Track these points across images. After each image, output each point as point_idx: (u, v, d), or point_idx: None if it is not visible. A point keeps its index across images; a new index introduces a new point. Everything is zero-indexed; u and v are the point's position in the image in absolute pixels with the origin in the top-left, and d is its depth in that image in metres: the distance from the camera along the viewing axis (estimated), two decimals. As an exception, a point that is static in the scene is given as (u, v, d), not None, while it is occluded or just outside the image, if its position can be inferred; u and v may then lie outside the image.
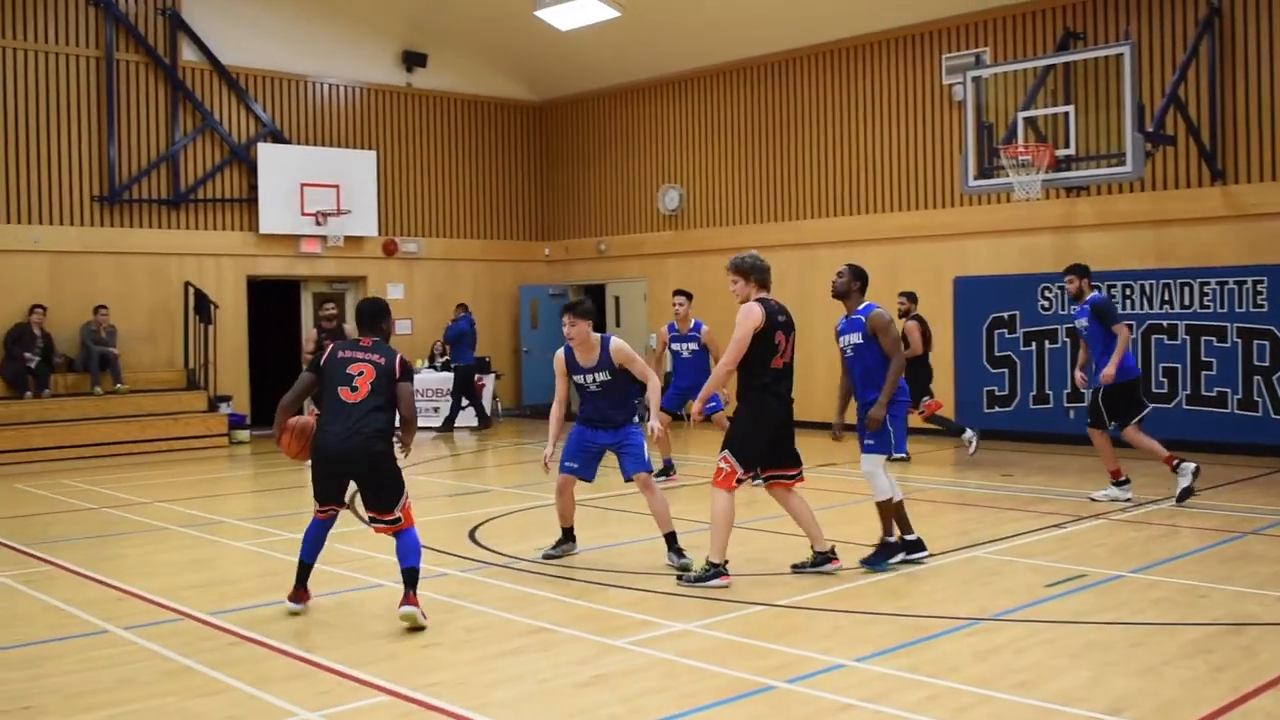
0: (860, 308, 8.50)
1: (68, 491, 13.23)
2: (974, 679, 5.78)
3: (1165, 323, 14.88)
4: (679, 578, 8.07)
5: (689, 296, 13.25)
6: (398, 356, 7.28)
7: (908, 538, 8.51)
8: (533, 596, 7.71)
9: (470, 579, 8.30)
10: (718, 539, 7.91)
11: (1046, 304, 15.86)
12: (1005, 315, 16.24)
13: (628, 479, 8.69)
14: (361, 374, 7.15)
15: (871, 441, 8.39)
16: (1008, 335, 16.21)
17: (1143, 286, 15.07)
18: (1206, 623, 6.79)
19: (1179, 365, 14.80)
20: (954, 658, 6.19)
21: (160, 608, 7.57)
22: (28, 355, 16.75)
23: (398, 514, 7.12)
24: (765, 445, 8.06)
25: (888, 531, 8.44)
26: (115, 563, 9.25)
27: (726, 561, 7.95)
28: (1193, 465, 11.12)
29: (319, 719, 5.40)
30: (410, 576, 7.00)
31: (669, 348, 13.37)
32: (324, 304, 16.04)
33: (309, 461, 7.31)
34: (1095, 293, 11.60)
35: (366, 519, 7.34)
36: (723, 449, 8.03)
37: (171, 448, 17.17)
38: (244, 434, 18.42)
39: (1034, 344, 16.00)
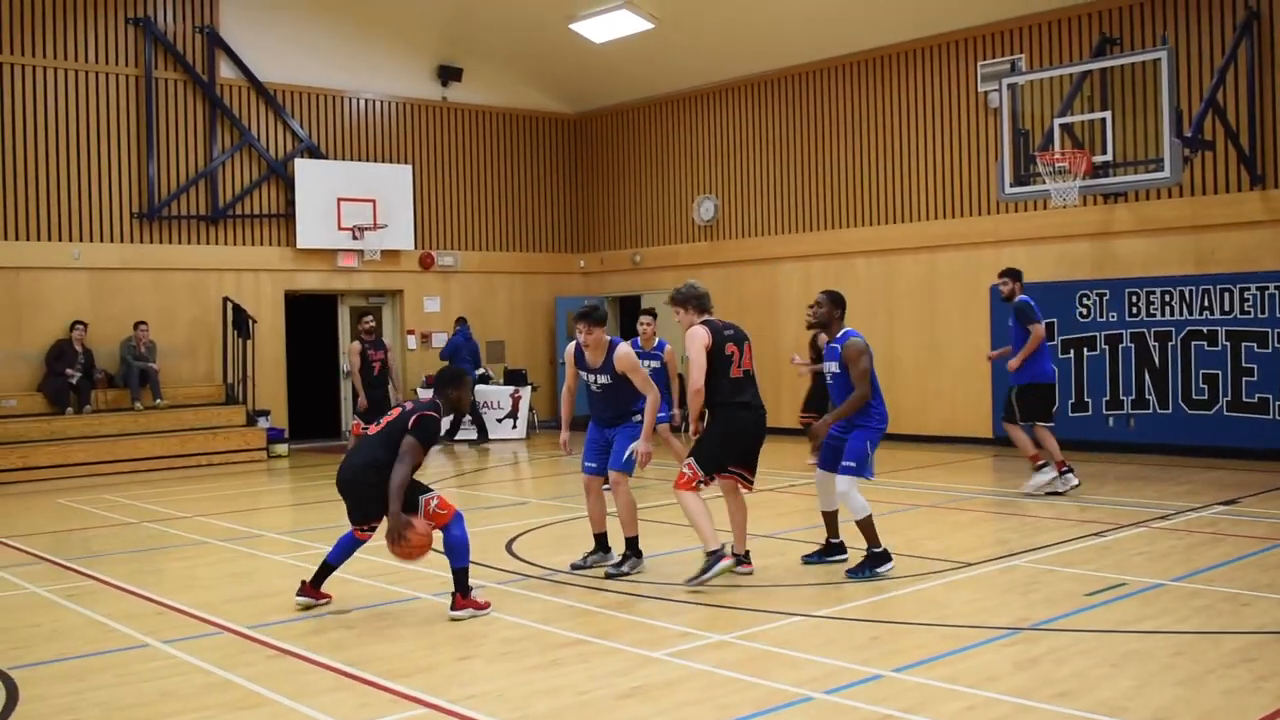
0: (839, 335, 8.64)
1: (109, 506, 13.35)
2: (1014, 689, 5.74)
3: (1205, 329, 14.75)
4: (606, 574, 8.62)
5: (654, 316, 12.93)
6: (421, 410, 7.53)
7: (875, 550, 8.51)
8: (571, 608, 7.72)
9: (508, 591, 8.31)
10: (703, 530, 8.24)
11: (1085, 311, 15.75)
12: (1047, 322, 16.09)
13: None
14: (390, 415, 7.70)
15: (852, 464, 8.43)
16: (1046, 343, 16.05)
17: (1182, 293, 14.94)
18: (1249, 631, 6.72)
19: (1219, 371, 14.65)
20: (993, 668, 6.15)
21: (200, 621, 7.62)
22: (69, 371, 16.95)
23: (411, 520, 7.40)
24: (736, 456, 8.47)
25: (873, 543, 8.48)
26: (156, 577, 9.32)
27: (723, 545, 8.27)
28: (1074, 480, 12.08)
29: (358, 731, 5.42)
30: (457, 578, 7.48)
31: None
32: (362, 317, 16.13)
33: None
34: (1022, 295, 12.39)
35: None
36: (689, 457, 8.42)
37: (211, 462, 17.30)
38: (282, 448, 18.53)
39: (1072, 351, 15.89)
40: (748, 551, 8.68)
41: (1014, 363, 12.13)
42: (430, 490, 7.56)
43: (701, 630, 7.03)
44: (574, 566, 8.98)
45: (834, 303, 8.75)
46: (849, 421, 8.51)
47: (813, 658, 6.41)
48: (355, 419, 15.53)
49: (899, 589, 8.06)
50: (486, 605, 7.51)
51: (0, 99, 17.25)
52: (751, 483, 8.59)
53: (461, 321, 20.08)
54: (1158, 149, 13.78)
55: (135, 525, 11.99)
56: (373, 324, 15.95)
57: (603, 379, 8.79)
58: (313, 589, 7.79)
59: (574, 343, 8.97)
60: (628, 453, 8.68)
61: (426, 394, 16.29)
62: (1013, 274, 12.53)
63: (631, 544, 8.85)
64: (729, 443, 8.39)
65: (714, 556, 8.16)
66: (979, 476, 14.25)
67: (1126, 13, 15.69)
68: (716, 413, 8.45)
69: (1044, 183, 14.38)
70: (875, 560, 8.45)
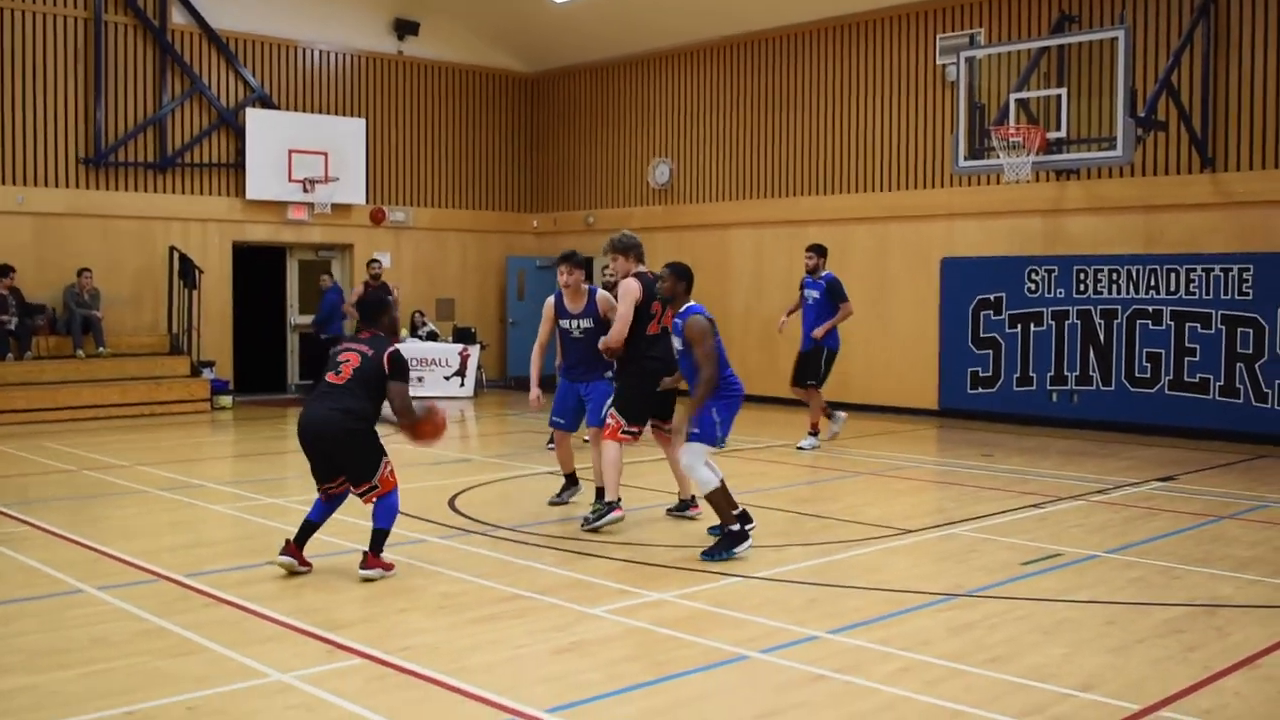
0: (682, 310, 8.07)
1: (48, 454, 13.18)
2: (947, 653, 5.80)
3: (1150, 308, 14.90)
4: (582, 525, 8.77)
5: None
6: (387, 350, 7.35)
7: (730, 529, 7.89)
8: (511, 564, 7.71)
9: (449, 545, 8.29)
10: (610, 480, 8.67)
11: (1033, 286, 15.86)
12: (991, 297, 16.24)
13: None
14: (347, 361, 7.35)
15: (696, 431, 7.89)
16: (993, 317, 16.22)
17: (1129, 271, 15.08)
18: (1180, 603, 6.82)
19: (1163, 351, 14.82)
20: (928, 632, 6.21)
21: (137, 569, 7.55)
22: (3, 319, 16.61)
23: (375, 482, 7.32)
24: (651, 404, 8.79)
25: (727, 522, 7.88)
26: (94, 525, 9.22)
27: (620, 499, 8.72)
28: (843, 415, 14.11)
29: (292, 680, 5.39)
30: (375, 538, 7.34)
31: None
32: (371, 262, 17.17)
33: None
34: (829, 272, 13.79)
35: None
36: (610, 406, 8.82)
37: (153, 412, 17.11)
38: (226, 399, 18.36)
39: (1019, 326, 16.02)
40: (693, 496, 9.09)
41: (819, 332, 13.45)
42: (386, 454, 7.42)
43: (640, 589, 7.04)
44: (551, 502, 9.66)
45: (679, 276, 8.13)
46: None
47: (750, 618, 6.44)
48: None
49: (839, 553, 8.11)
50: (392, 566, 7.38)
51: (-56, 36, 16.90)
52: (668, 431, 8.99)
53: (333, 280, 19.89)
54: (1111, 128, 13.85)
55: (74, 473, 11.86)
56: (379, 270, 16.28)
57: (584, 323, 9.13)
58: (297, 549, 7.38)
59: (552, 296, 9.30)
60: (605, 410, 8.94)
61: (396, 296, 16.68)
62: (820, 250, 13.83)
63: (600, 494, 9.00)
64: (646, 390, 8.65)
65: (610, 506, 8.66)
66: (923, 446, 14.35)
67: (1085, -10, 15.75)
68: (630, 366, 8.79)
69: (998, 157, 14.43)
70: (730, 540, 7.82)
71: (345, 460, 7.29)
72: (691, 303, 8.12)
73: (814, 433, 13.67)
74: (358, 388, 7.25)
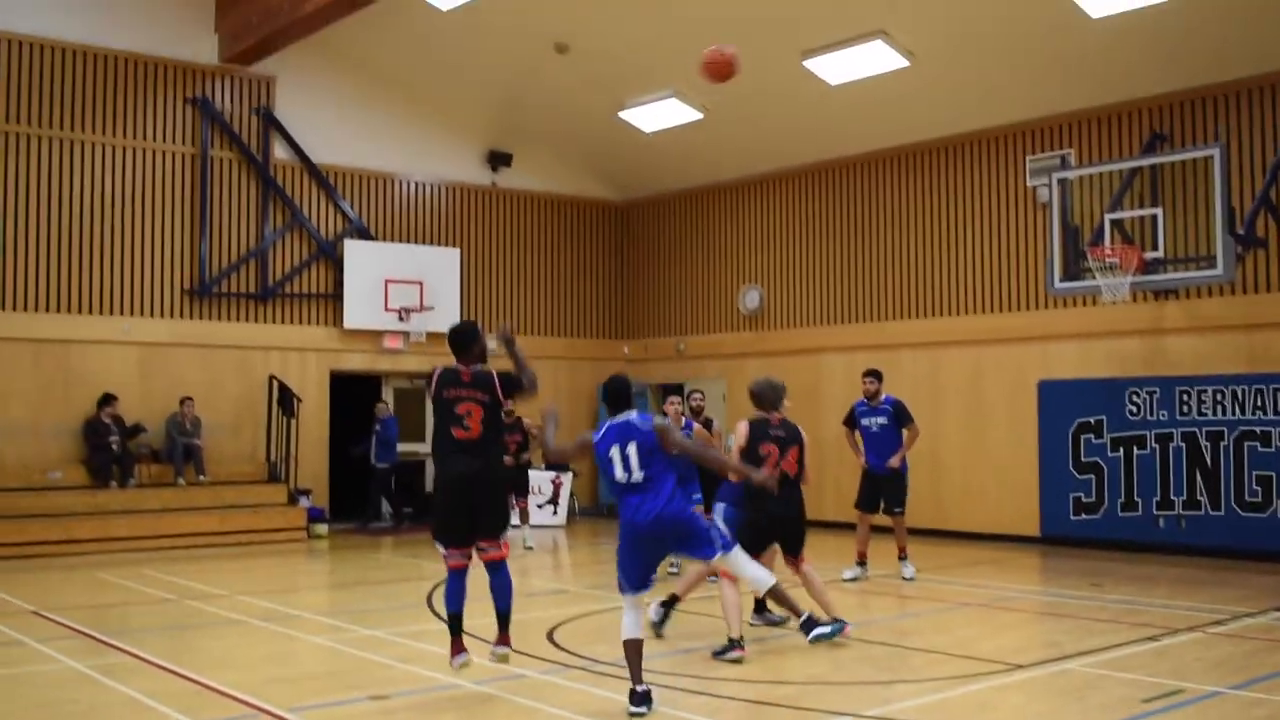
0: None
1: (148, 582, 13.30)
2: (1073, 800, 5.55)
3: (1259, 429, 14.51)
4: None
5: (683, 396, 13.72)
6: (495, 383, 7.75)
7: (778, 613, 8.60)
8: (613, 701, 7.55)
9: (550, 681, 8.17)
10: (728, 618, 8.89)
11: (1134, 409, 15.54)
12: (1092, 420, 15.92)
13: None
14: (469, 414, 7.68)
15: (722, 540, 7.72)
16: (1095, 440, 15.89)
17: (1234, 391, 14.74)
18: (1317, 745, 6.49)
19: (1274, 474, 14.38)
20: (1050, 776, 5.95)
21: (238, 703, 7.51)
22: (112, 439, 16.96)
23: (501, 540, 7.82)
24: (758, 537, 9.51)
25: (796, 611, 8.63)
26: (194, 655, 9.24)
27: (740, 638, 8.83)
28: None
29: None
30: (503, 620, 7.87)
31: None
32: (691, 394, 17.21)
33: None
34: (889, 395, 13.50)
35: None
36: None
37: (251, 540, 17.25)
38: (322, 528, 18.47)
39: (1121, 449, 15.66)
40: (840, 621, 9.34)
41: (897, 459, 13.15)
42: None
43: (747, 727, 6.86)
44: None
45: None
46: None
47: (863, 760, 6.23)
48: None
49: (950, 690, 7.86)
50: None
51: (62, 174, 17.55)
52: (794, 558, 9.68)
53: (389, 409, 20.15)
54: (1210, 245, 13.67)
55: (174, 602, 11.94)
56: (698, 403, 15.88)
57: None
58: (462, 644, 7.77)
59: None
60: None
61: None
62: (877, 375, 13.63)
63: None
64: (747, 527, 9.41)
65: (731, 644, 8.79)
66: (1027, 575, 13.99)
67: (1177, 109, 15.66)
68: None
69: (1094, 278, 14.27)
70: (810, 623, 8.64)
71: (491, 511, 7.69)
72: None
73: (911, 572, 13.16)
74: (490, 435, 7.66)
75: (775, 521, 9.57)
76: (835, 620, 9.07)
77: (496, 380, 7.74)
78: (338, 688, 8.03)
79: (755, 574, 8.02)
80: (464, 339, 8.01)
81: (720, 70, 9.54)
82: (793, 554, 9.69)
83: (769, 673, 8.42)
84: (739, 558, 7.76)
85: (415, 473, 20.89)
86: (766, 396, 9.78)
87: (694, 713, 7.22)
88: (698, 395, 13.60)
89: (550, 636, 9.79)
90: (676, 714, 7.20)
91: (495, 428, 7.77)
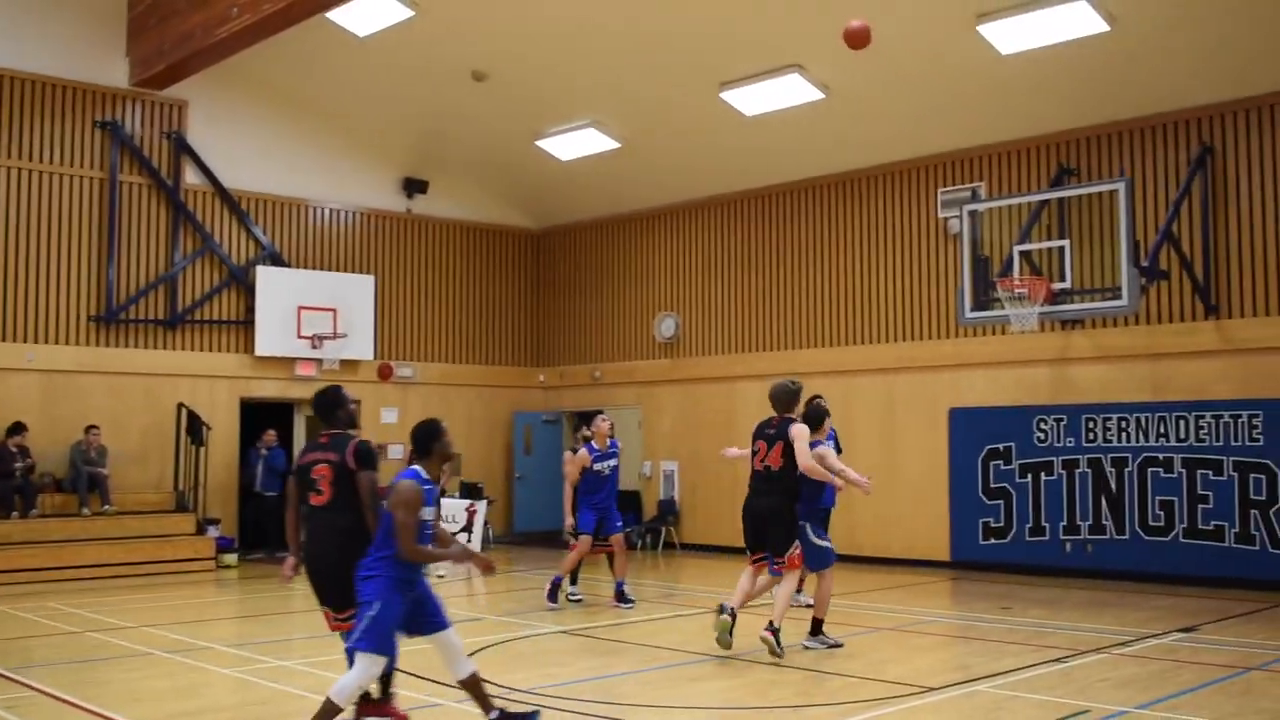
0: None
1: (52, 614, 12.98)
2: (984, 819, 5.62)
3: (1161, 455, 14.86)
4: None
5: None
6: (348, 447, 7.24)
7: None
8: (528, 728, 7.52)
9: (465, 710, 8.10)
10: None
11: (1042, 436, 15.85)
12: (1001, 447, 16.21)
13: None
14: (322, 476, 7.23)
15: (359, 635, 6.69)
16: (1004, 467, 16.17)
17: (1138, 419, 15.09)
18: (1218, 763, 6.63)
19: (1175, 499, 14.74)
20: (962, 797, 6.03)
21: (145, 735, 7.37)
22: (18, 467, 16.57)
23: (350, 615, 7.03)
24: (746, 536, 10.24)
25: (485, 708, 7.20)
26: (100, 689, 9.03)
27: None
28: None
29: None
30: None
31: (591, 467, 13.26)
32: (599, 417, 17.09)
33: None
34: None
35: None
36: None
37: (158, 570, 16.92)
38: (231, 558, 18.17)
39: (1030, 476, 15.95)
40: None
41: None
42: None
43: (663, 753, 6.86)
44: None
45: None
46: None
47: (778, 783, 6.26)
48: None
49: (863, 713, 7.93)
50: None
51: (-38, 199, 17.19)
52: (762, 562, 10.03)
53: (276, 441, 19.92)
54: (1115, 277, 13.99)
55: (79, 635, 11.66)
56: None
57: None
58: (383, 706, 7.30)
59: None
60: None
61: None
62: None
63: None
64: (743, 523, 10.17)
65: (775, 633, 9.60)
66: (938, 600, 14.16)
67: (1084, 144, 16.05)
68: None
69: (1003, 308, 14.53)
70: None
71: (340, 589, 7.07)
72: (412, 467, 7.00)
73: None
74: (341, 502, 7.11)
75: (747, 511, 10.13)
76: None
77: (351, 451, 7.26)
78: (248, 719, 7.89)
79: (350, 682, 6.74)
80: (326, 407, 7.59)
81: (860, 39, 10.94)
82: (763, 552, 9.94)
83: (684, 697, 8.43)
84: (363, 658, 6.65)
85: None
86: (777, 399, 10.30)
87: (610, 739, 7.22)
88: (602, 418, 13.67)
89: (465, 665, 9.70)
90: (592, 740, 7.18)
91: (351, 494, 7.21)
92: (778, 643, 9.66)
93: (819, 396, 12.22)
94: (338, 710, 6.54)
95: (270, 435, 19.72)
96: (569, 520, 13.17)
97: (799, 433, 9.97)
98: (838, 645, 10.31)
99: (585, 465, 13.12)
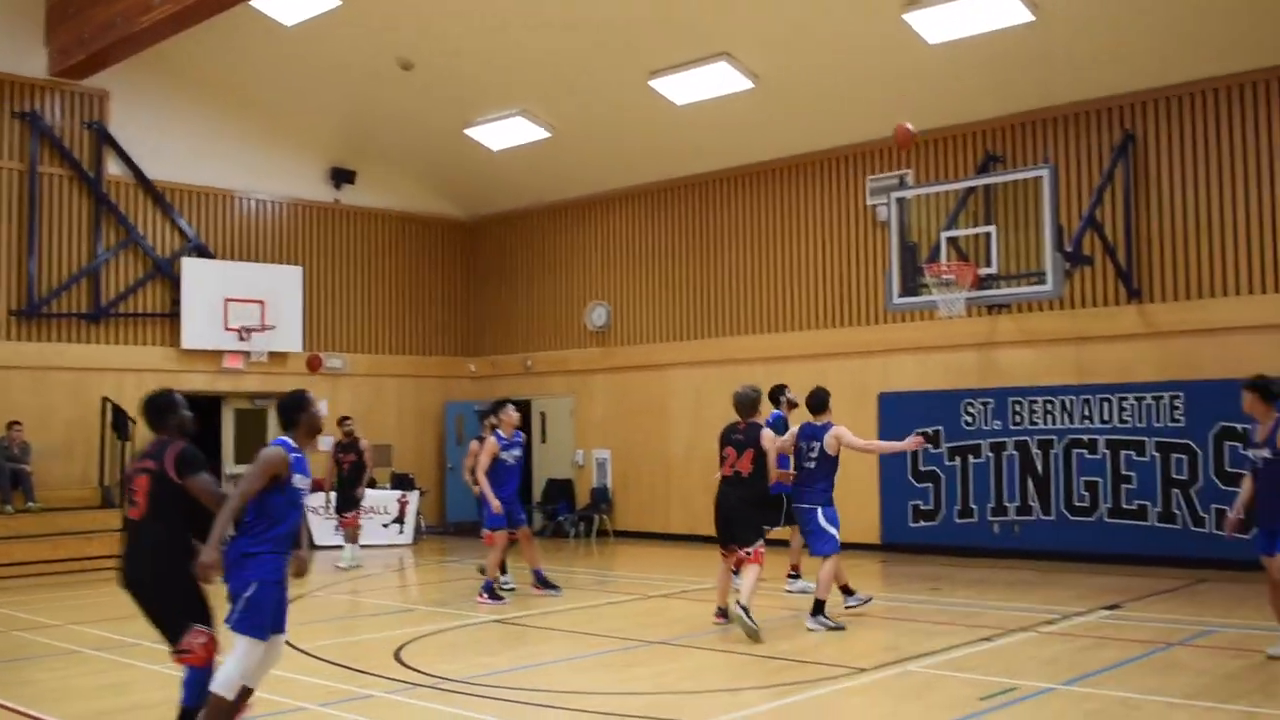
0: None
1: (-25, 613, 12.76)
2: (914, 796, 5.70)
3: (1086, 437, 15.11)
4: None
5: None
6: (168, 453, 6.49)
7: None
8: (463, 718, 7.52)
9: (398, 700, 8.08)
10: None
11: (970, 419, 16.05)
12: (929, 430, 16.38)
13: None
14: (138, 488, 6.54)
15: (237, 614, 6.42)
16: (932, 450, 16.34)
17: (1063, 402, 15.32)
18: (1141, 736, 6.77)
19: (1100, 479, 14.99)
20: (892, 774, 6.11)
21: (72, 733, 7.27)
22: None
23: (184, 646, 6.49)
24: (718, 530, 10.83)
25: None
26: (26, 688, 8.89)
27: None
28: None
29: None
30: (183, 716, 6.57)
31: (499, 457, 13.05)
32: (343, 420, 17.50)
33: None
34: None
35: None
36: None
37: (84, 568, 16.63)
38: (161, 553, 17.91)
39: (958, 459, 16.15)
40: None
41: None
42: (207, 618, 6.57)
43: (597, 738, 6.89)
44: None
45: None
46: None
47: (711, 765, 6.31)
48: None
49: (795, 694, 8.01)
50: None
51: (-125, 191, 16.79)
52: (730, 553, 10.59)
53: None
54: (1040, 263, 14.16)
55: (3, 633, 11.47)
56: (351, 427, 17.35)
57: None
58: None
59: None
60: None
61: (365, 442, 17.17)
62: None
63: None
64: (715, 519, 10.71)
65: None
66: (869, 581, 14.26)
67: (1009, 132, 16.25)
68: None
69: (931, 294, 14.67)
70: None
71: (160, 614, 6.54)
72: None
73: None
74: (155, 514, 6.43)
75: (717, 509, 10.71)
76: None
77: (170, 457, 6.48)
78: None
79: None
80: (158, 409, 6.80)
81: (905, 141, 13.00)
82: (733, 544, 10.54)
83: (620, 683, 8.47)
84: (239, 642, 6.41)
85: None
86: (740, 405, 10.74)
87: (544, 726, 7.23)
88: (511, 408, 13.38)
89: (397, 655, 9.68)
90: (527, 728, 7.20)
91: (170, 506, 6.47)
92: (749, 617, 9.89)
93: (783, 386, 12.51)
94: (226, 702, 6.29)
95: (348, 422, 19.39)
96: (495, 502, 12.86)
97: (769, 440, 10.63)
98: (839, 628, 10.55)
99: (495, 454, 12.99)
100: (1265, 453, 8.85)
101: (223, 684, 6.28)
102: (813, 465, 11.03)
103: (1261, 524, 8.93)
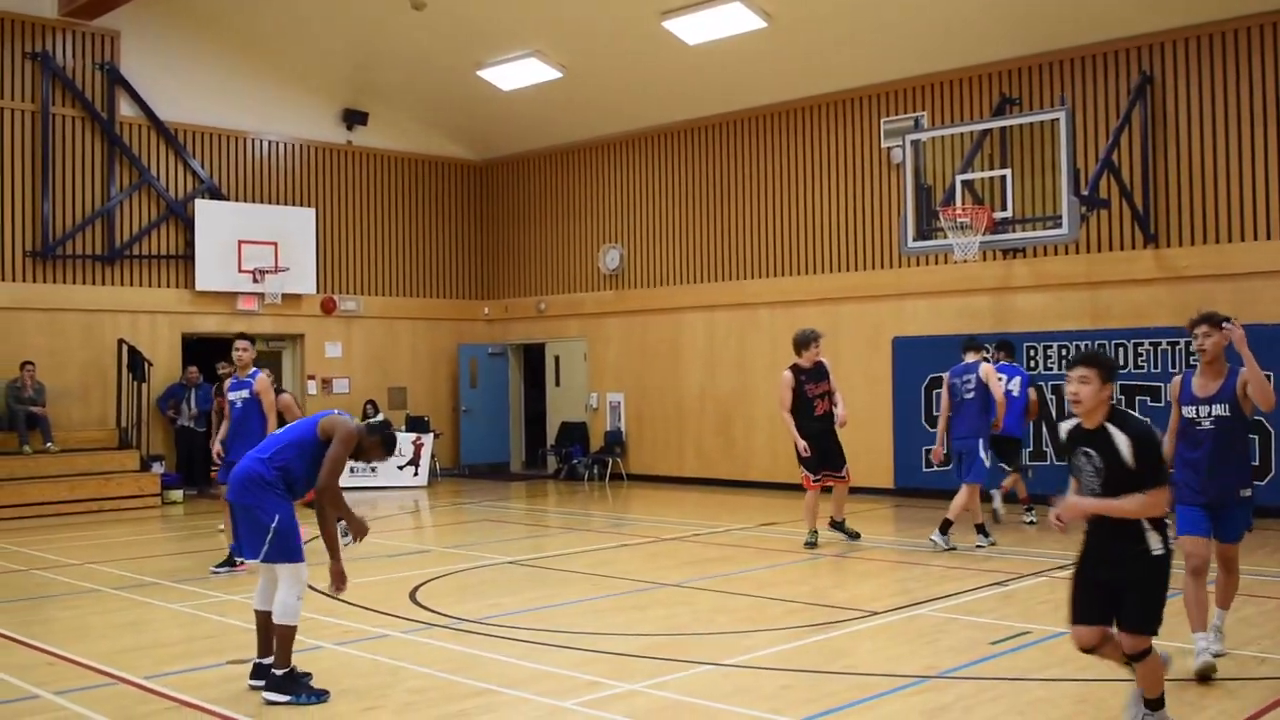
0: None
1: (-5, 553, 12.90)
2: (924, 738, 5.75)
3: (1100, 382, 15.04)
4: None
5: (252, 342, 11.54)
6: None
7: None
8: (478, 658, 7.60)
9: (412, 640, 8.16)
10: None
11: (984, 364, 15.99)
12: (944, 375, 16.33)
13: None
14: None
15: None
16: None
17: (1078, 347, 15.26)
18: (1151, 680, 6.80)
19: (1114, 424, 14.95)
20: (903, 716, 6.16)
21: (94, 672, 7.36)
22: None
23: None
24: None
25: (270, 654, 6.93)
26: (46, 626, 9.01)
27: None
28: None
29: (260, 785, 5.25)
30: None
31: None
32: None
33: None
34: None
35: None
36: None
37: (102, 508, 16.81)
38: (176, 494, 18.08)
39: (972, 403, 16.10)
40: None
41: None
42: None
43: (611, 680, 6.95)
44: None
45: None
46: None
47: (725, 707, 6.37)
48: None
49: (806, 638, 8.06)
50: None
51: (-112, 132, 16.77)
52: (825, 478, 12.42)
53: (200, 376, 19.10)
54: (1056, 206, 14.08)
55: (23, 573, 11.60)
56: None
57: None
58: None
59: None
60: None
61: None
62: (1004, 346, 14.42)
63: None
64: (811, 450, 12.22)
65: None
66: (882, 526, 14.36)
67: (1025, 73, 16.10)
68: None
69: (946, 237, 14.61)
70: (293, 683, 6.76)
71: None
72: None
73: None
74: None
75: (814, 440, 12.25)
76: None
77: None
78: (197, 653, 7.91)
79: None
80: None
81: None
82: (827, 469, 12.39)
83: (631, 625, 8.54)
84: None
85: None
86: (796, 343, 12.27)
87: (558, 666, 7.29)
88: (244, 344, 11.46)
89: (413, 596, 9.77)
90: (540, 668, 7.26)
91: None
92: (847, 532, 12.48)
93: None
94: (292, 629, 6.74)
95: (194, 372, 19.25)
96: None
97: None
98: (952, 549, 11.78)
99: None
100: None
101: (283, 615, 6.72)
102: (971, 396, 12.33)
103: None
